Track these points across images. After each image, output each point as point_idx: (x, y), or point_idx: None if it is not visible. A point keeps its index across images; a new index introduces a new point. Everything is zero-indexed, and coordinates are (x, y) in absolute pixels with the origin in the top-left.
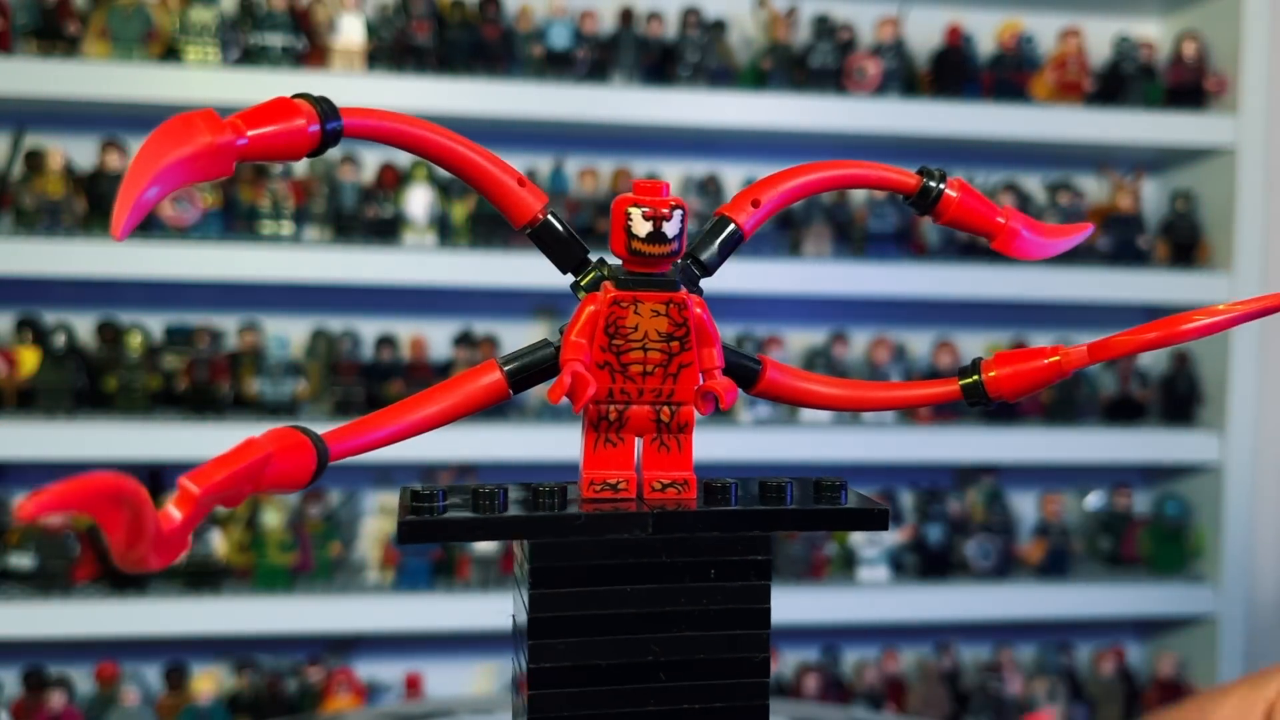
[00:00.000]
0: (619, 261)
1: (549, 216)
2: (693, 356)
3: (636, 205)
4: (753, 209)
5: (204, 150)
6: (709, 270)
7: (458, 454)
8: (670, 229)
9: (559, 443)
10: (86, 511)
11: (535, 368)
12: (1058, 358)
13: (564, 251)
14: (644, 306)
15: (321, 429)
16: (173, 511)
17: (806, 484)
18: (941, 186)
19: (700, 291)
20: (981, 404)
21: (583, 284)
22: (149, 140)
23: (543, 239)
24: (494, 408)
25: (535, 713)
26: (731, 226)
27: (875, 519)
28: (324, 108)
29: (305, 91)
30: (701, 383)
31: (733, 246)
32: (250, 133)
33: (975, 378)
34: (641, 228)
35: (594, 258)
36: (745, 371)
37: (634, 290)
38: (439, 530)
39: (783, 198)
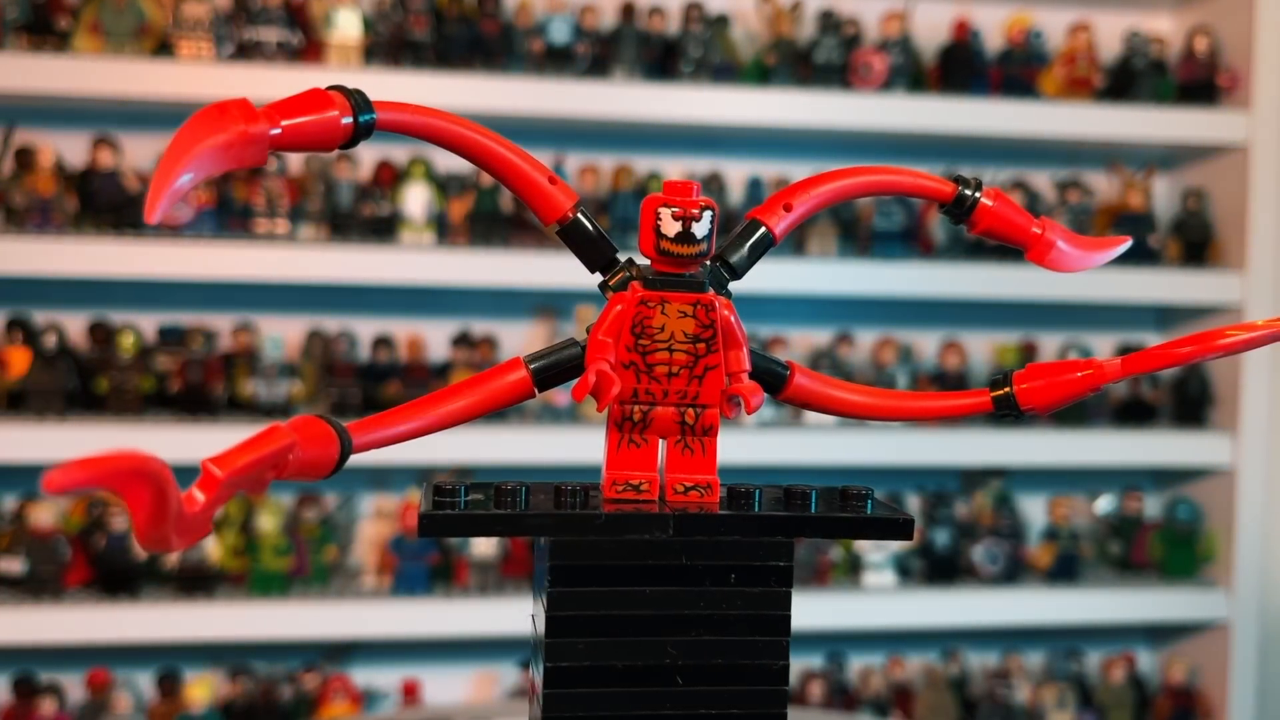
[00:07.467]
0: (649, 262)
1: (579, 214)
2: (719, 359)
3: (666, 205)
4: (784, 213)
5: (238, 138)
6: (738, 273)
7: (453, 456)
8: (699, 229)
9: (578, 445)
10: (110, 487)
11: (561, 366)
12: (1090, 371)
13: (593, 250)
14: (671, 307)
15: None
16: (196, 494)
17: (832, 492)
18: (977, 196)
19: (729, 294)
20: (1012, 415)
21: (611, 284)
22: (184, 127)
23: (572, 237)
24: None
25: (550, 712)
26: (762, 230)
27: (901, 529)
28: (357, 100)
29: (340, 84)
30: (727, 385)
31: (763, 250)
32: (284, 123)
33: (1007, 390)
34: (670, 228)
35: (623, 258)
36: (772, 377)
37: (661, 290)
38: (458, 524)
39: (816, 203)
